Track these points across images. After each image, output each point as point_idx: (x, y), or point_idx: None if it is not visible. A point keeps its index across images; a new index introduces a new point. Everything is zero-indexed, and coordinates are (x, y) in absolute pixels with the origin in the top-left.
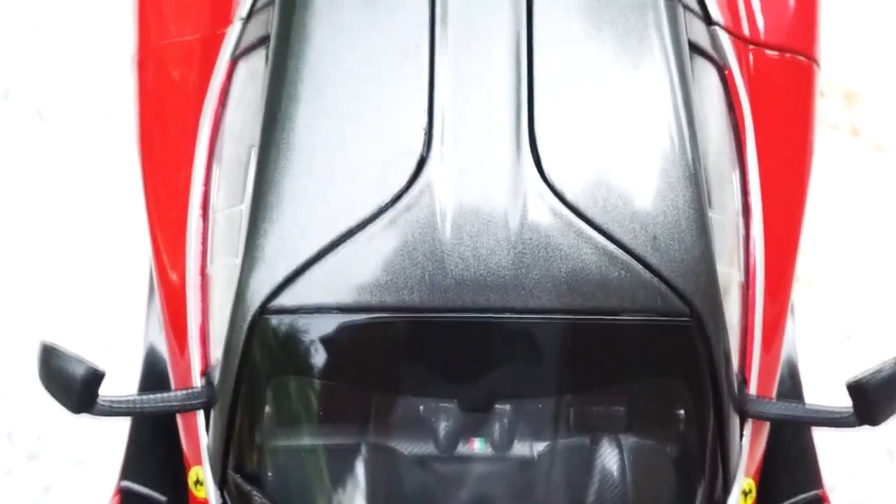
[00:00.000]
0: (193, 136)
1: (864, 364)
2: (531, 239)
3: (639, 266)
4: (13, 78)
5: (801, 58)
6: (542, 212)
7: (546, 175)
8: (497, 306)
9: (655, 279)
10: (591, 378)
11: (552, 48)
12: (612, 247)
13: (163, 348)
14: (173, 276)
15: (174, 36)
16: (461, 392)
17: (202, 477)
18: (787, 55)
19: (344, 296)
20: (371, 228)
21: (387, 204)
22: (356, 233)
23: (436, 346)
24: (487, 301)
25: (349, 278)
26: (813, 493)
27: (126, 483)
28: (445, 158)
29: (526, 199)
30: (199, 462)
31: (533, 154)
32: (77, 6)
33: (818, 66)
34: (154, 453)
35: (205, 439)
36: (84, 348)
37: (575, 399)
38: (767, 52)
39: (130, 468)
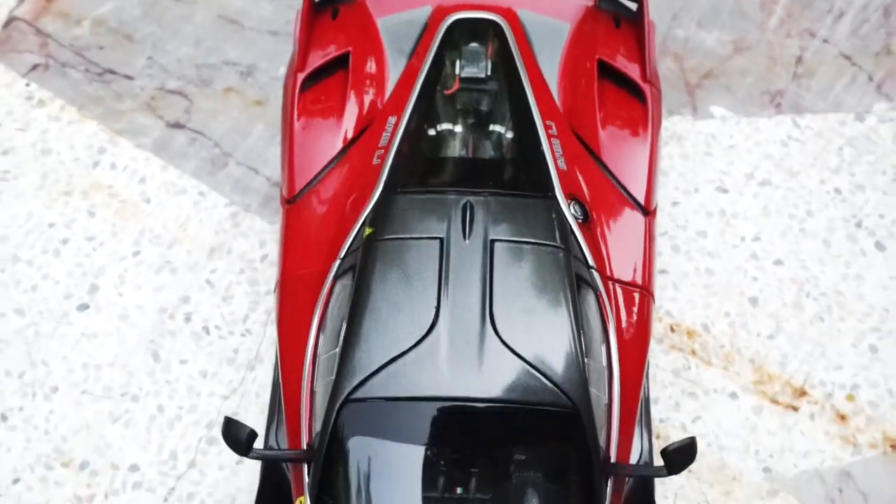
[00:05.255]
0: (308, 323)
1: None
2: (487, 363)
3: (542, 377)
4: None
5: (643, 291)
6: (496, 353)
7: (499, 334)
8: (468, 396)
9: (550, 383)
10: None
11: (502, 286)
12: (529, 369)
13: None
14: (293, 388)
15: (303, 269)
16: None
17: (303, 500)
18: (634, 289)
19: (398, 391)
20: (410, 355)
21: (419, 340)
22: (402, 356)
23: (446, 426)
24: (464, 390)
25: (400, 381)
26: None
27: None
28: (445, 322)
29: (486, 343)
30: (303, 493)
31: (492, 324)
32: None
33: (653, 298)
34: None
35: (306, 479)
36: None
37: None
38: (619, 286)
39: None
